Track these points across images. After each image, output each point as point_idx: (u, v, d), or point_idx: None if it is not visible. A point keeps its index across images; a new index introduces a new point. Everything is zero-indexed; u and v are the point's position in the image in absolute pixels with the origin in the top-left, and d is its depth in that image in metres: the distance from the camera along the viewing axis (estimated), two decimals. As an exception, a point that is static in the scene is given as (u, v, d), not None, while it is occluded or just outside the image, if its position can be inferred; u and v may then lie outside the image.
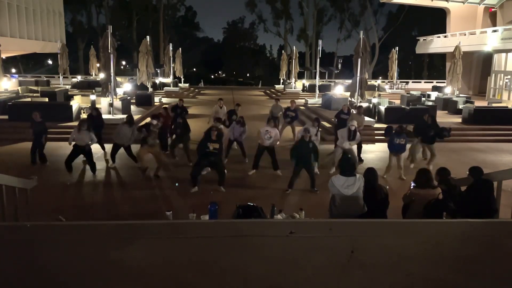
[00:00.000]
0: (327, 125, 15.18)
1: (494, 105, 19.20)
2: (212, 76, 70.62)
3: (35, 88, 24.04)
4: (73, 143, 9.13)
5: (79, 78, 31.90)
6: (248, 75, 70.21)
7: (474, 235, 3.38)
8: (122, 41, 53.40)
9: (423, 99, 20.87)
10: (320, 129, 10.39)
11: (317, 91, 23.36)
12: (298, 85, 31.38)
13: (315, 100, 21.98)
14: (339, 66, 42.73)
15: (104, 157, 10.62)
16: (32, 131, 10.11)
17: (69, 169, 9.08)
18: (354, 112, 11.82)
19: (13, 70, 42.81)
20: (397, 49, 28.73)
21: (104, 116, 12.16)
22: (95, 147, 10.01)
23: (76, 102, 16.15)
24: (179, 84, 31.77)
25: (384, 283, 2.62)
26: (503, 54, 26.83)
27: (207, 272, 2.71)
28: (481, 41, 26.38)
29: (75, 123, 11.11)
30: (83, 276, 2.65)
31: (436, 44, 32.77)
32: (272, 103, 14.80)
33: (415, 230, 3.50)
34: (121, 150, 10.00)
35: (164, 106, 14.29)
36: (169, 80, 30.17)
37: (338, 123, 11.98)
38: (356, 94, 15.71)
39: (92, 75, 31.87)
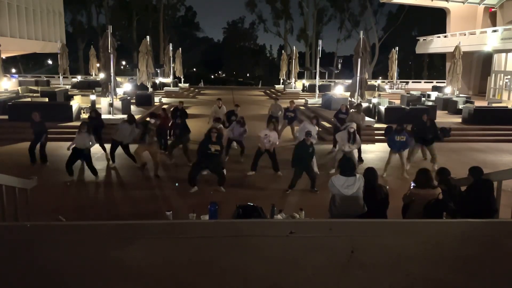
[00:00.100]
0: (327, 125, 15.19)
1: (494, 105, 19.20)
2: (212, 76, 70.59)
3: (35, 88, 24.02)
4: (72, 146, 9.12)
5: (79, 78, 31.87)
6: (248, 75, 70.17)
7: (474, 235, 3.38)
8: (122, 41, 53.44)
9: (423, 99, 20.86)
10: (319, 129, 10.37)
11: (317, 91, 23.35)
12: (298, 85, 31.39)
13: (315, 100, 21.98)
14: (339, 66, 42.70)
15: (106, 157, 10.65)
16: (32, 131, 10.12)
17: (70, 173, 9.05)
18: (353, 111, 11.81)
19: (13, 70, 42.81)
20: (397, 49, 28.70)
21: (104, 116, 12.16)
22: (95, 147, 10.01)
23: (76, 102, 16.14)
24: (179, 84, 31.76)
25: (384, 283, 2.62)
26: (503, 54, 26.83)
27: (207, 272, 2.71)
28: (481, 41, 26.37)
29: (75, 123, 11.12)
30: (83, 276, 2.65)
31: (436, 44, 32.76)
32: (271, 103, 14.82)
33: (415, 230, 3.50)
34: (121, 150, 10.02)
35: (163, 107, 14.27)
36: (169, 80, 30.15)
37: (337, 123, 11.97)
38: (356, 94, 15.70)
39: (92, 75, 31.86)
